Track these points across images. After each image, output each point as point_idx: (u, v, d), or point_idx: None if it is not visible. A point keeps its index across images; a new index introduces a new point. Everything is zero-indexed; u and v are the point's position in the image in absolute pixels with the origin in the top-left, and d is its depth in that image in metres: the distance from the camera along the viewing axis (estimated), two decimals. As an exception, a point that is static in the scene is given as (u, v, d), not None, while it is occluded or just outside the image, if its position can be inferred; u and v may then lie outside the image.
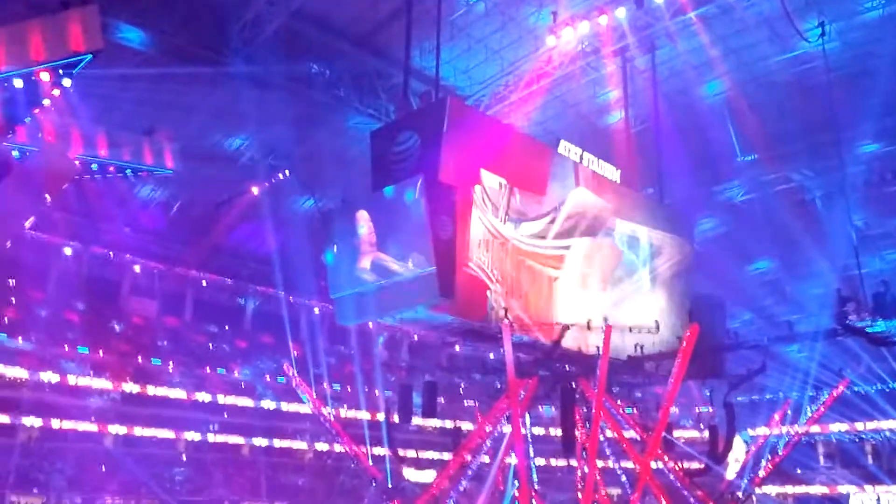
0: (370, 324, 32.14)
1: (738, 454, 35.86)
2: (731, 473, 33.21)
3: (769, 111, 26.52)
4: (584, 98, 27.61)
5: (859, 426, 40.34)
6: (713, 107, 27.85)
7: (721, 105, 27.78)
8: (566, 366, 25.22)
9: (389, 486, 32.46)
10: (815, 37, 22.95)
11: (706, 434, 32.88)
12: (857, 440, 41.25)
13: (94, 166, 24.01)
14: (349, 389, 39.74)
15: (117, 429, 33.12)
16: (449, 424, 34.70)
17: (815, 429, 36.31)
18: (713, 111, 27.89)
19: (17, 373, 31.04)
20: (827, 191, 29.71)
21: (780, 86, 26.06)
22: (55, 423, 31.25)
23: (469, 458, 26.04)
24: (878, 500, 38.64)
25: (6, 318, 32.37)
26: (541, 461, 30.87)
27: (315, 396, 32.91)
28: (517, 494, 26.36)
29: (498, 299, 21.02)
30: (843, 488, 40.30)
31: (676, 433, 31.46)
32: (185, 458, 34.81)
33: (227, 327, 39.96)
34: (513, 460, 26.97)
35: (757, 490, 35.11)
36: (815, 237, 28.48)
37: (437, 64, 22.60)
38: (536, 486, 28.04)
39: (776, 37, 24.19)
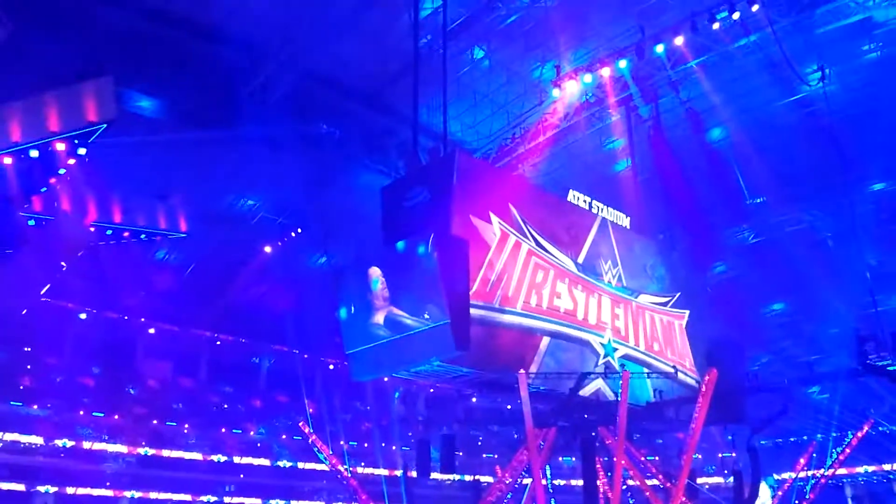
0: (385, 379, 31.96)
1: (764, 499, 35.10)
2: (758, 520, 32.45)
3: (775, 154, 26.74)
4: (590, 148, 27.98)
5: (886, 467, 39.47)
6: (718, 152, 28.14)
7: (727, 149, 28.06)
8: (585, 415, 25.00)
9: (409, 544, 31.92)
10: (816, 80, 23.33)
11: (731, 480, 32.35)
12: (884, 481, 40.29)
13: (109, 232, 24.39)
14: (366, 446, 39.30)
15: (133, 493, 32.76)
16: (468, 478, 34.24)
17: (842, 471, 35.49)
18: (719, 156, 28.17)
19: (32, 440, 30.92)
20: (838, 230, 29.72)
21: (785, 129, 26.32)
22: (70, 490, 30.98)
23: (490, 511, 25.64)
24: (907, 539, 37.60)
25: (22, 386, 32.39)
26: (563, 513, 30.31)
27: (332, 454, 32.64)
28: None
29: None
30: (873, 532, 39.29)
31: (700, 480, 30.94)
32: (201, 522, 34.29)
33: (242, 387, 39.75)
34: (535, 514, 26.56)
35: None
36: (829, 277, 28.39)
37: (444, 119, 23.05)
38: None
39: (777, 82, 24.57)
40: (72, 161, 19.14)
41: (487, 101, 26.33)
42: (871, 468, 39.65)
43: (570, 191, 24.76)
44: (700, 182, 27.31)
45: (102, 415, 33.72)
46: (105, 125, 18.27)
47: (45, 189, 20.23)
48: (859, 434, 30.57)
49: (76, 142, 18.41)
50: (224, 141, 24.87)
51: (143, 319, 35.85)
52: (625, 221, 26.03)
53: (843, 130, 24.70)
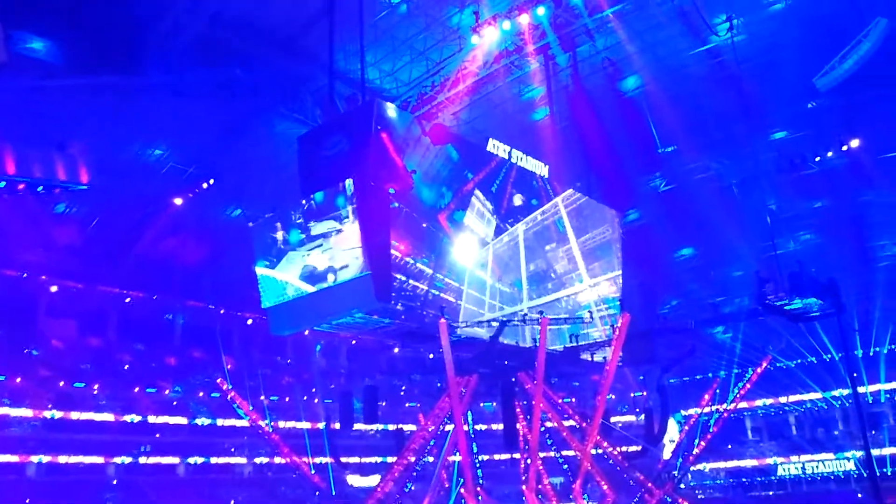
0: (306, 332, 31.63)
1: (672, 435, 37.20)
2: (667, 454, 34.35)
3: (686, 103, 27.44)
4: (509, 96, 27.89)
5: (783, 400, 42.45)
6: (633, 101, 28.65)
7: (641, 99, 28.60)
8: (505, 361, 25.56)
9: (333, 493, 32.17)
10: (724, 31, 23.93)
11: (642, 418, 34.00)
12: (781, 413, 43.38)
13: (2, 184, 22.80)
14: (287, 400, 39.08)
15: (41, 458, 31.55)
16: (391, 427, 34.61)
17: (743, 405, 37.89)
18: (633, 105, 28.69)
19: (-72, 407, 29.28)
20: (743, 177, 30.98)
21: (695, 78, 26.97)
22: (-28, 457, 29.62)
23: (413, 459, 26.06)
24: (804, 468, 40.77)
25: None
26: (484, 456, 31.08)
27: (252, 410, 32.24)
28: (462, 491, 26.57)
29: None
30: (770, 460, 42.35)
31: (614, 419, 32.28)
32: (115, 483, 33.43)
33: (154, 345, 38.53)
34: (457, 458, 27.17)
35: (691, 468, 36.48)
36: (734, 223, 29.66)
37: (361, 66, 22.46)
38: (481, 482, 28.26)
39: (689, 31, 25.01)
40: (-42, 107, 17.72)
41: (406, 47, 25.73)
42: (769, 401, 42.59)
43: (490, 140, 24.75)
44: (615, 131, 27.80)
45: (4, 378, 32.14)
46: (-6, 69, 16.96)
47: (-72, 137, 18.71)
48: (758, 370, 32.51)
49: (-37, 86, 17.05)
50: (128, 87, 23.46)
51: (43, 277, 34.03)
52: (543, 170, 26.35)
53: (749, 80, 25.61)
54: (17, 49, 20.94)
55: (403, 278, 21.40)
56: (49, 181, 23.61)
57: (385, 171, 20.81)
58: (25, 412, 32.06)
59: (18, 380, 32.69)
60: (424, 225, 22.39)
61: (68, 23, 22.00)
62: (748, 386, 32.50)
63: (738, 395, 32.94)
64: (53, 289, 34.64)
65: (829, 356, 39.11)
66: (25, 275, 33.33)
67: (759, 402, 42.20)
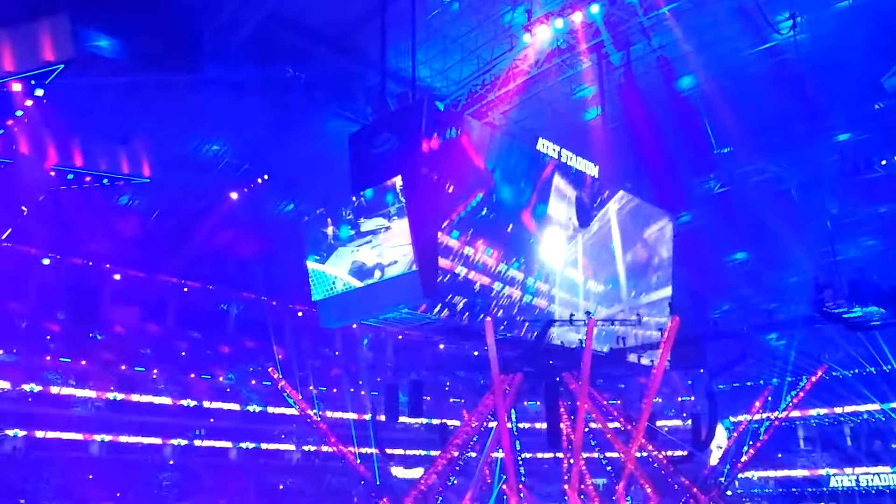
0: (354, 326, 32.18)
1: (720, 441, 36.52)
2: (713, 460, 33.80)
3: (744, 103, 26.72)
4: (560, 95, 27.68)
5: (838, 410, 41.08)
6: (689, 100, 28.09)
7: (696, 98, 28.01)
8: (550, 361, 25.50)
9: (377, 483, 32.71)
10: (787, 29, 23.23)
11: (689, 423, 33.49)
12: (836, 423, 42.00)
13: (70, 176, 23.83)
14: (335, 391, 39.80)
15: (103, 437, 32.95)
16: (435, 422, 34.95)
17: (795, 414, 36.90)
18: (689, 105, 28.12)
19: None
20: (803, 181, 30.08)
21: (754, 78, 26.23)
22: (39, 434, 31.06)
23: (456, 454, 26.30)
24: (857, 481, 39.43)
25: (-14, 332, 32.05)
26: (527, 454, 31.14)
27: (301, 398, 33.04)
28: (505, 488, 26.71)
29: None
30: (823, 471, 41.08)
31: (660, 423, 31.96)
32: (172, 464, 34.70)
33: (210, 333, 39.74)
34: (499, 455, 27.31)
35: (739, 475, 35.73)
36: (791, 227, 28.85)
37: (413, 64, 22.63)
38: (523, 479, 28.35)
39: (748, 30, 24.37)
40: (29, 102, 18.60)
41: (457, 46, 25.83)
42: (823, 411, 41.24)
43: (540, 139, 24.68)
44: (668, 131, 27.31)
45: (69, 360, 33.65)
46: (62, 65, 17.73)
47: (1, 131, 19.68)
48: (813, 379, 31.61)
49: (33, 82, 17.92)
50: (187, 84, 24.17)
51: (107, 265, 35.44)
52: (593, 170, 26.11)
53: (812, 80, 24.78)
54: (84, 47, 21.83)
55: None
56: (113, 174, 24.66)
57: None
58: (89, 393, 33.48)
59: (83, 362, 34.15)
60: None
61: (132, 20, 22.83)
62: (801, 394, 31.68)
63: (790, 404, 32.14)
64: (117, 277, 36.04)
65: (889, 367, 37.66)
66: (91, 263, 34.76)
67: (812, 412, 40.88)
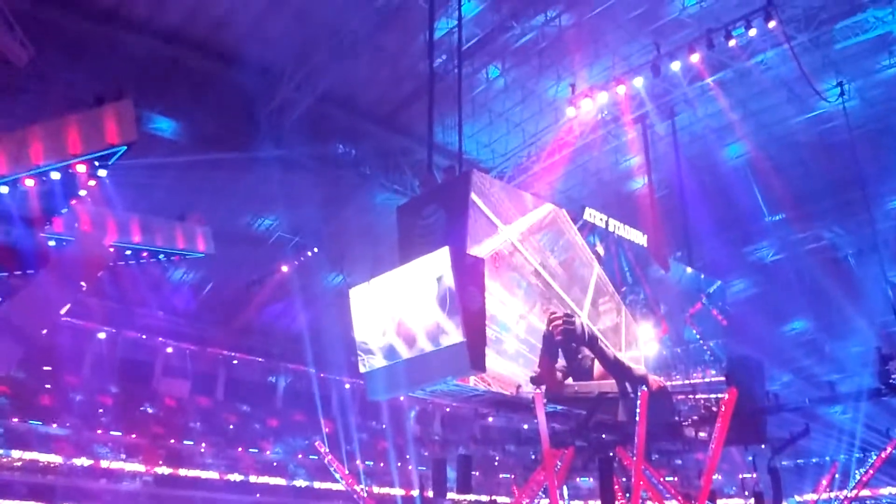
0: (401, 398, 31.89)
1: (787, 522, 34.49)
2: (779, 541, 31.83)
3: (794, 171, 26.55)
4: (606, 165, 27.89)
5: (911, 488, 38.65)
6: (736, 169, 27.91)
7: (744, 166, 27.83)
8: (602, 434, 24.71)
9: (426, 561, 31.65)
10: (835, 96, 23.13)
11: (751, 502, 31.76)
12: (909, 502, 39.47)
13: (129, 252, 24.54)
14: (382, 465, 39.11)
15: (150, 512, 32.79)
16: (485, 498, 33.90)
17: (865, 492, 34.72)
18: (737, 173, 27.94)
19: (51, 458, 31.05)
20: (859, 247, 29.33)
21: (803, 145, 26.13)
22: (88, 509, 31.11)
23: (507, 533, 25.38)
24: (932, 562, 36.74)
25: (41, 405, 32.62)
26: (581, 535, 29.89)
27: (347, 473, 32.49)
28: (558, 570, 25.52)
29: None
30: (897, 553, 38.41)
31: (720, 501, 30.38)
32: (218, 540, 34.25)
33: (258, 406, 39.81)
34: (552, 535, 26.20)
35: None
36: (850, 295, 27.99)
37: (459, 138, 23.05)
38: (578, 561, 27.10)
39: (795, 98, 24.41)
40: (92, 183, 19.34)
41: (502, 119, 26.36)
42: (895, 490, 38.83)
43: (586, 208, 24.64)
44: (717, 199, 27.09)
45: (120, 433, 33.85)
46: (125, 147, 18.48)
47: (65, 210, 20.47)
48: (883, 455, 29.86)
49: (97, 164, 18.57)
50: (241, 162, 25.08)
51: (161, 339, 36.08)
52: (641, 240, 25.83)
53: (863, 146, 24.48)
54: (146, 128, 22.91)
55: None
56: (170, 249, 25.36)
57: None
58: (139, 467, 33.49)
59: (133, 436, 34.33)
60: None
61: (191, 102, 23.97)
62: (871, 472, 29.85)
63: (860, 482, 30.30)
64: (169, 350, 36.63)
65: (966, 442, 35.45)
66: (144, 336, 35.45)
67: (884, 491, 38.55)
